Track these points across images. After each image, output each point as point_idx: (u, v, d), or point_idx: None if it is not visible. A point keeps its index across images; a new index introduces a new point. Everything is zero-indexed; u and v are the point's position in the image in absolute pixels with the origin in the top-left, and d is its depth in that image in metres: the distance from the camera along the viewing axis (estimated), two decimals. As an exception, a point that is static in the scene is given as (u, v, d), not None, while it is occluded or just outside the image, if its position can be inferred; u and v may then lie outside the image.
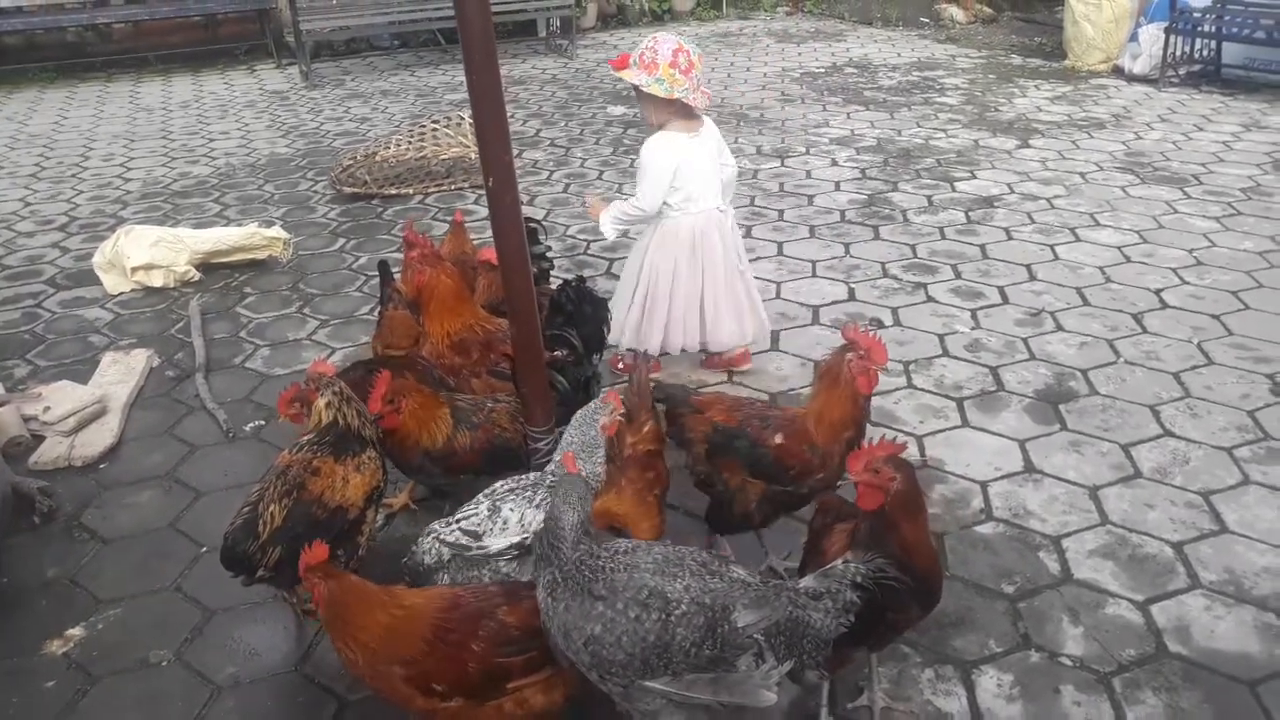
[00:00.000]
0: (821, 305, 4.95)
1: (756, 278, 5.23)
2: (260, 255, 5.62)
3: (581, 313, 3.47)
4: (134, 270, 5.32)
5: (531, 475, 2.87)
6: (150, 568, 3.25)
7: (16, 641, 2.95)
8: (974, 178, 6.80)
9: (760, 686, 2.12)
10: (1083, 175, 6.78)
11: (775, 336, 4.64)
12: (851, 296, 5.05)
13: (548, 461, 3.05)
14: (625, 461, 2.77)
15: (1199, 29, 8.90)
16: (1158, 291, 4.98)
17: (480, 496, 2.77)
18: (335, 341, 4.73)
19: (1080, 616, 2.92)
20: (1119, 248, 5.54)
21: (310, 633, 2.95)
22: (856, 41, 11.61)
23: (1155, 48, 9.06)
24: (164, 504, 3.58)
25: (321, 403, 2.87)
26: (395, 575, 2.90)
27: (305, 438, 2.86)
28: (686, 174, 3.95)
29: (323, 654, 2.87)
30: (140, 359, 4.53)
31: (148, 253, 5.33)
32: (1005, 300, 4.95)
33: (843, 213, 6.20)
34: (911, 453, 3.74)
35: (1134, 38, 9.44)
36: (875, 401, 3.94)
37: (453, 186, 6.81)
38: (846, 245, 5.68)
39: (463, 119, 7.00)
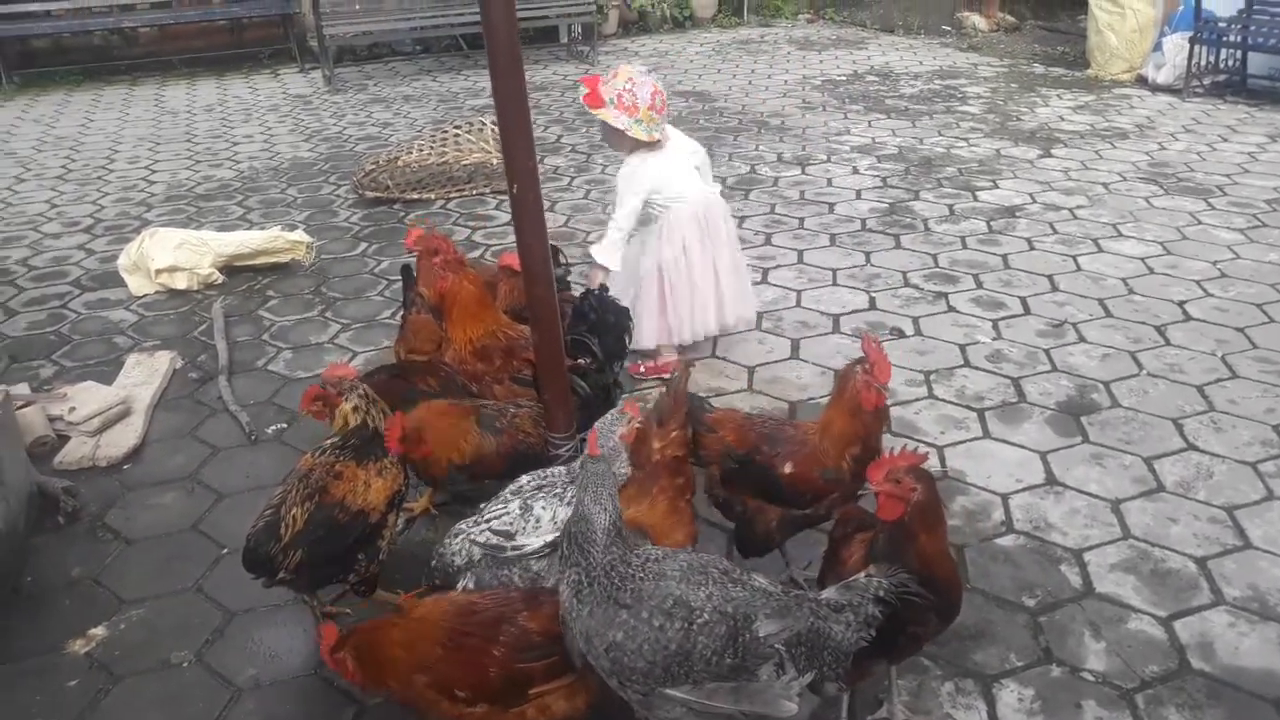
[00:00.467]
0: (842, 314, 4.94)
1: (776, 285, 5.27)
2: (283, 259, 5.66)
3: (604, 321, 3.49)
4: (158, 272, 5.36)
5: (558, 470, 2.86)
6: (172, 568, 3.28)
7: (41, 640, 2.98)
8: (996, 187, 6.77)
9: (781, 697, 2.11)
10: (1105, 185, 6.74)
11: (795, 345, 4.64)
12: (872, 305, 5.04)
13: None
14: (655, 468, 2.74)
15: (1224, 39, 8.85)
16: (1181, 303, 4.95)
17: (507, 494, 2.77)
18: (357, 345, 4.75)
19: (1102, 631, 2.91)
20: (1142, 259, 5.50)
21: (330, 636, 2.96)
22: (878, 49, 11.59)
23: (1179, 57, 9.01)
24: (186, 505, 3.61)
25: (348, 406, 2.88)
26: (415, 579, 2.93)
27: (328, 441, 2.88)
28: (669, 181, 4.15)
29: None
30: (164, 361, 4.56)
31: (172, 255, 5.38)
32: (1027, 311, 4.92)
33: (864, 221, 6.19)
34: (932, 463, 3.71)
35: (1158, 47, 9.37)
36: (896, 411, 3.98)
37: (474, 192, 6.83)
38: (867, 254, 5.67)
39: (484, 124, 7.03)
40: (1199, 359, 4.41)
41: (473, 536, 2.68)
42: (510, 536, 2.64)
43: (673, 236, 4.21)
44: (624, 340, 3.61)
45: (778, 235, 5.99)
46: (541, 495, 2.73)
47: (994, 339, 4.66)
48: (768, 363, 4.51)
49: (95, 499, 3.64)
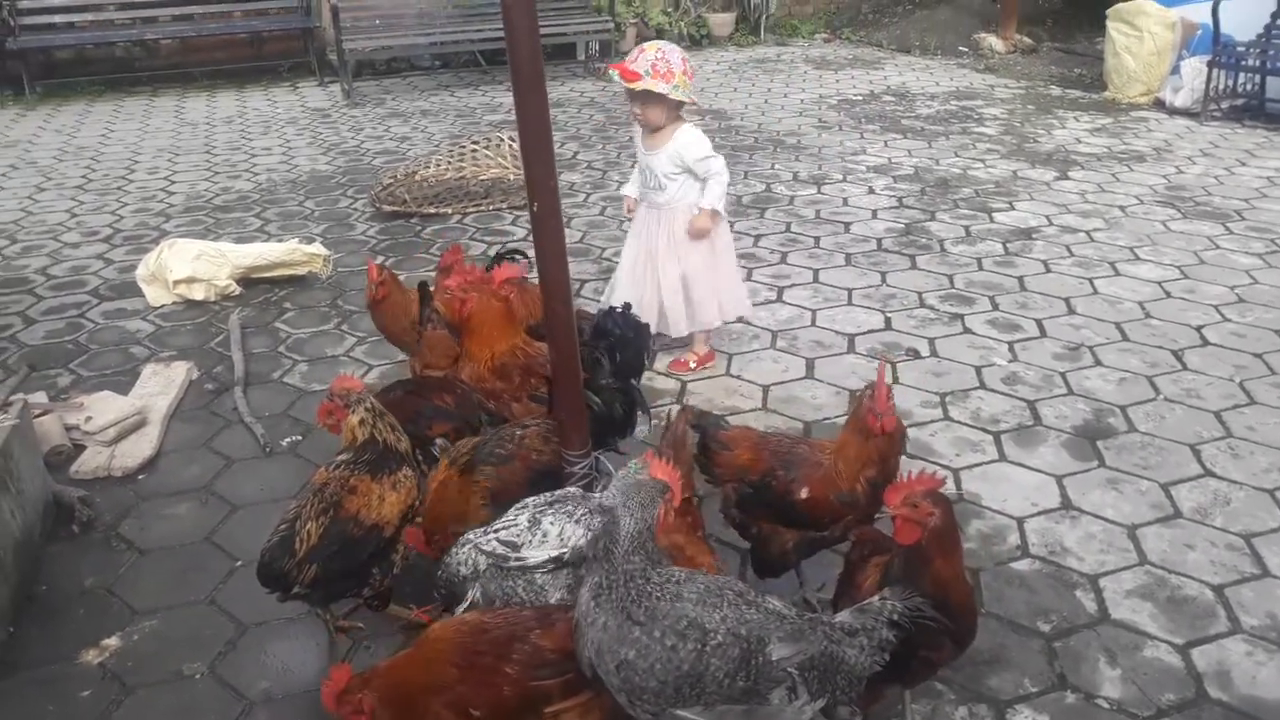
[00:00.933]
0: (857, 334, 4.94)
1: (792, 304, 5.28)
2: (300, 271, 5.69)
3: (625, 338, 3.49)
4: (176, 283, 5.39)
5: (573, 490, 2.86)
6: (186, 580, 3.28)
7: (54, 649, 2.99)
8: (1012, 209, 6.76)
9: (793, 721, 2.10)
10: (1123, 209, 6.73)
11: (810, 365, 4.63)
12: (888, 326, 5.03)
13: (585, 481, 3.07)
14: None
15: (1243, 63, 8.84)
16: (1199, 328, 4.93)
17: (518, 507, 2.77)
18: (372, 359, 4.76)
19: (1118, 658, 2.88)
20: (1159, 283, 5.48)
21: (342, 650, 2.96)
22: (894, 70, 11.61)
23: (1197, 81, 9.00)
24: (201, 516, 3.62)
25: (354, 420, 2.88)
26: (429, 593, 2.92)
27: (341, 456, 2.88)
28: None
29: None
30: (180, 371, 4.58)
31: (190, 266, 5.41)
32: (1043, 333, 4.91)
33: (879, 241, 6.19)
34: (948, 486, 3.70)
35: (1176, 70, 9.36)
36: (911, 433, 3.96)
37: (490, 207, 6.86)
38: (883, 274, 5.67)
39: (502, 140, 7.06)
40: (1217, 384, 4.39)
41: (480, 545, 2.67)
42: (515, 548, 2.63)
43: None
44: (643, 357, 3.61)
45: (793, 254, 5.99)
46: (551, 510, 2.72)
47: (1010, 361, 4.64)
48: (783, 381, 4.50)
49: (110, 509, 3.65)
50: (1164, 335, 4.87)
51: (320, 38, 11.61)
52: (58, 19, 10.72)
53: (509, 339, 3.58)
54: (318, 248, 5.81)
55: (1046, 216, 6.59)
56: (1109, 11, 9.79)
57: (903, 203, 6.91)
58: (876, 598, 2.16)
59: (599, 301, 5.24)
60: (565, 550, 2.61)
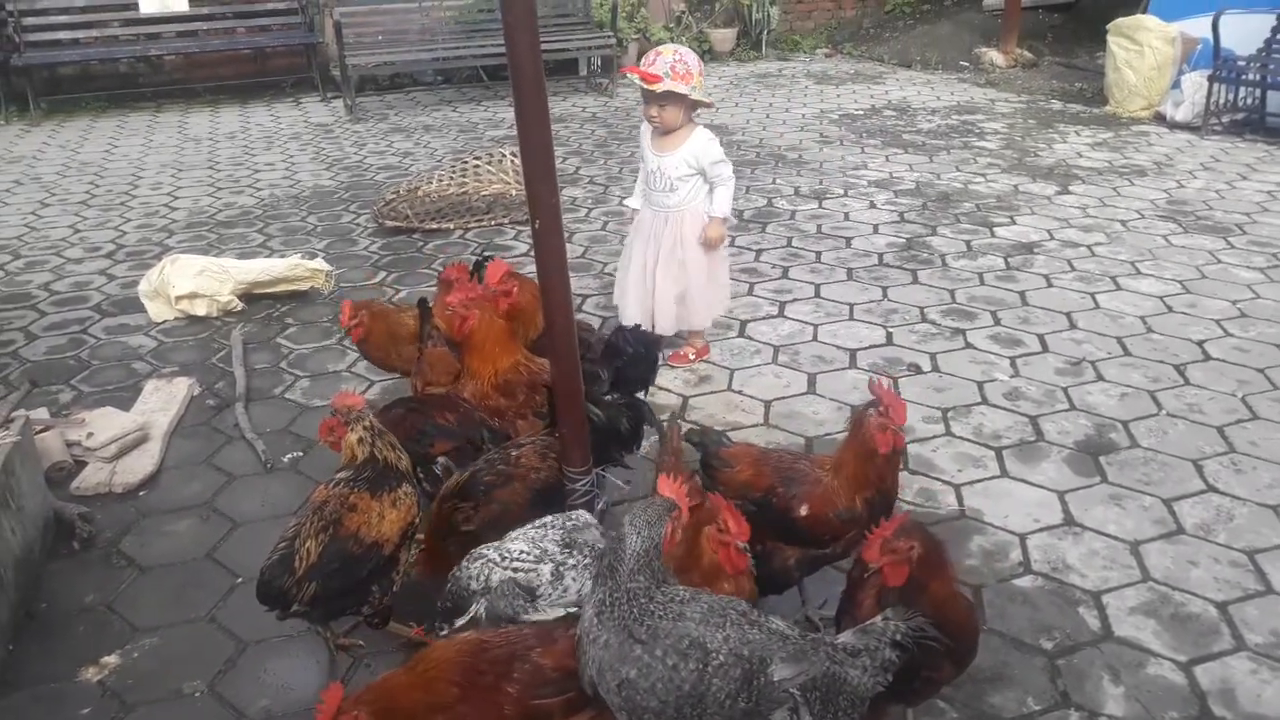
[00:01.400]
0: (859, 349, 4.93)
1: (793, 319, 5.28)
2: (303, 287, 5.70)
3: (638, 355, 3.54)
4: (178, 299, 5.40)
5: (591, 526, 2.84)
6: (186, 597, 3.28)
7: (54, 666, 2.98)
8: (1013, 223, 6.77)
9: (795, 741, 2.09)
10: (1124, 223, 6.73)
11: (812, 380, 4.63)
12: (889, 341, 5.03)
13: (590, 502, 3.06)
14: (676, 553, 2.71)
15: (1243, 77, 8.85)
16: (1201, 343, 4.92)
17: (536, 545, 2.71)
18: (374, 374, 4.76)
19: (1121, 676, 2.87)
20: (1161, 297, 5.48)
21: (343, 668, 2.95)
22: (896, 84, 11.64)
23: (1198, 95, 9.01)
24: (201, 533, 3.61)
25: (353, 438, 2.88)
26: (429, 610, 2.91)
27: (340, 474, 2.88)
28: None
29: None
30: (182, 387, 4.59)
31: (192, 282, 5.42)
32: (1045, 348, 4.90)
33: (881, 256, 6.19)
34: (949, 502, 3.70)
35: (1176, 85, 9.38)
36: (913, 449, 3.97)
37: (493, 222, 6.87)
38: (884, 289, 5.67)
39: (504, 155, 7.07)
40: (1219, 399, 4.38)
41: (494, 565, 2.65)
42: (533, 595, 2.61)
43: (697, 229, 4.59)
44: (653, 370, 3.64)
45: (795, 269, 5.99)
46: (573, 559, 2.67)
47: (1012, 376, 4.64)
48: (784, 397, 4.50)
49: (111, 525, 3.65)
50: (1166, 350, 4.86)
51: (323, 53, 11.65)
52: (62, 35, 10.77)
53: (511, 355, 3.58)
54: (320, 263, 5.82)
55: (1048, 231, 6.59)
56: (1109, 26, 9.81)
57: (904, 217, 6.91)
58: (879, 618, 2.16)
59: (601, 315, 5.25)
60: (575, 608, 2.58)
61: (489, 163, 7.04)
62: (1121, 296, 5.52)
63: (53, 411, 4.38)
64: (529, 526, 2.81)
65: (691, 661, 2.04)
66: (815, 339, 5.07)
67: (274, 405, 4.52)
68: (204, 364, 4.93)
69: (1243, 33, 8.92)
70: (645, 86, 4.28)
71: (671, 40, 12.67)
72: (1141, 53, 9.47)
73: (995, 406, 4.37)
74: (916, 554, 2.27)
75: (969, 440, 4.11)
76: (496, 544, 2.75)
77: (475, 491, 3.03)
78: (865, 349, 4.94)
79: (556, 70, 12.18)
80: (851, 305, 5.45)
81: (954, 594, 2.40)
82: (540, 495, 3.07)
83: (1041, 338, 5.02)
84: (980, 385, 4.56)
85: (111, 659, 3.01)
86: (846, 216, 6.96)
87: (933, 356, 4.84)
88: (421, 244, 6.58)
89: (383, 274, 6.06)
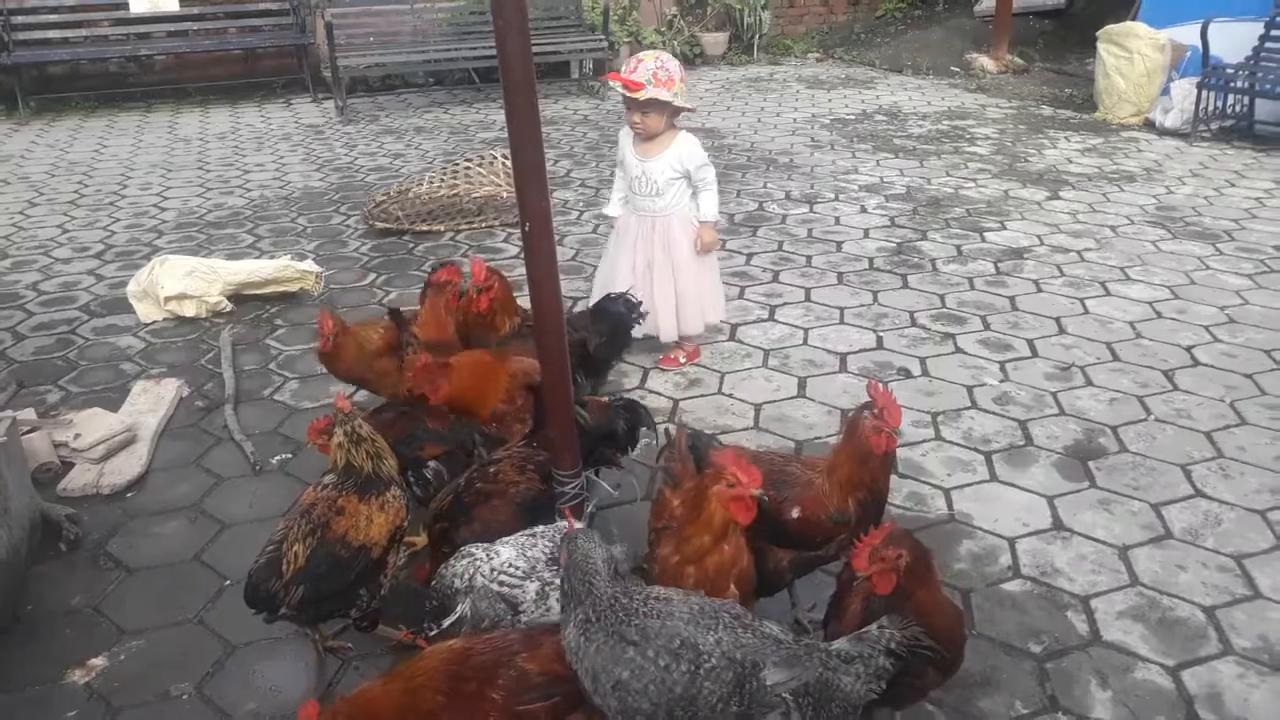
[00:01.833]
0: (849, 353, 4.94)
1: (784, 323, 5.28)
2: (292, 288, 5.68)
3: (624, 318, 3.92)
4: (167, 300, 5.38)
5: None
6: (173, 599, 3.26)
7: (40, 669, 2.96)
8: (1003, 228, 6.79)
9: (786, 746, 2.09)
10: (1113, 229, 6.75)
11: (802, 384, 4.63)
12: (879, 345, 5.04)
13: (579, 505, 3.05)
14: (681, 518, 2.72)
15: (1232, 84, 8.90)
16: (1189, 348, 4.94)
17: (530, 564, 2.69)
18: (363, 376, 4.74)
19: (1109, 680, 2.88)
20: (1150, 303, 5.50)
21: (331, 670, 2.94)
22: (887, 89, 11.67)
23: (1187, 102, 9.06)
24: (189, 535, 3.60)
25: (333, 442, 2.87)
26: (417, 614, 2.90)
27: (327, 477, 2.87)
28: None
29: (344, 692, 2.85)
30: (170, 388, 4.57)
31: (181, 283, 5.39)
32: (1034, 353, 4.92)
33: (871, 260, 6.20)
34: (938, 506, 3.71)
35: (1166, 91, 9.44)
36: (902, 453, 3.97)
37: (484, 224, 6.86)
38: (875, 293, 5.68)
39: (495, 157, 7.07)
40: (1207, 405, 4.40)
41: (479, 568, 2.64)
42: (516, 609, 2.60)
43: (688, 231, 4.64)
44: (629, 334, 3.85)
45: (785, 273, 6.00)
46: (557, 582, 2.66)
47: (1001, 381, 4.65)
48: (774, 400, 4.50)
49: (98, 527, 3.63)
50: (1155, 355, 4.88)
51: (314, 54, 11.63)
52: (52, 34, 10.73)
53: (497, 386, 3.51)
54: (310, 265, 5.80)
55: (1038, 236, 6.62)
56: (1099, 33, 9.85)
57: (894, 222, 6.93)
58: (874, 626, 2.16)
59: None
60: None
61: (480, 165, 7.04)
62: (1111, 302, 5.54)
63: (40, 412, 4.35)
64: (520, 534, 2.80)
65: (684, 663, 2.04)
66: (805, 343, 5.07)
67: (263, 407, 4.50)
68: (193, 365, 4.91)
69: (1231, 40, 8.99)
70: (628, 94, 4.28)
71: (663, 44, 12.71)
72: (1131, 59, 9.52)
73: (985, 411, 4.38)
74: (904, 563, 2.28)
75: (958, 444, 4.12)
76: (486, 544, 2.74)
77: (457, 513, 3.00)
78: (855, 353, 4.94)
79: (548, 73, 12.19)
80: (842, 309, 5.46)
81: (940, 601, 2.41)
82: (523, 509, 3.02)
83: (1031, 343, 5.03)
84: (970, 390, 4.57)
85: (98, 661, 2.99)
86: (837, 221, 6.97)
87: (922, 361, 4.85)
88: (412, 245, 6.57)
89: (373, 275, 6.04)
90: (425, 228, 6.76)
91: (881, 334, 5.15)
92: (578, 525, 2.52)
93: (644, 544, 2.80)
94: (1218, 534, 3.52)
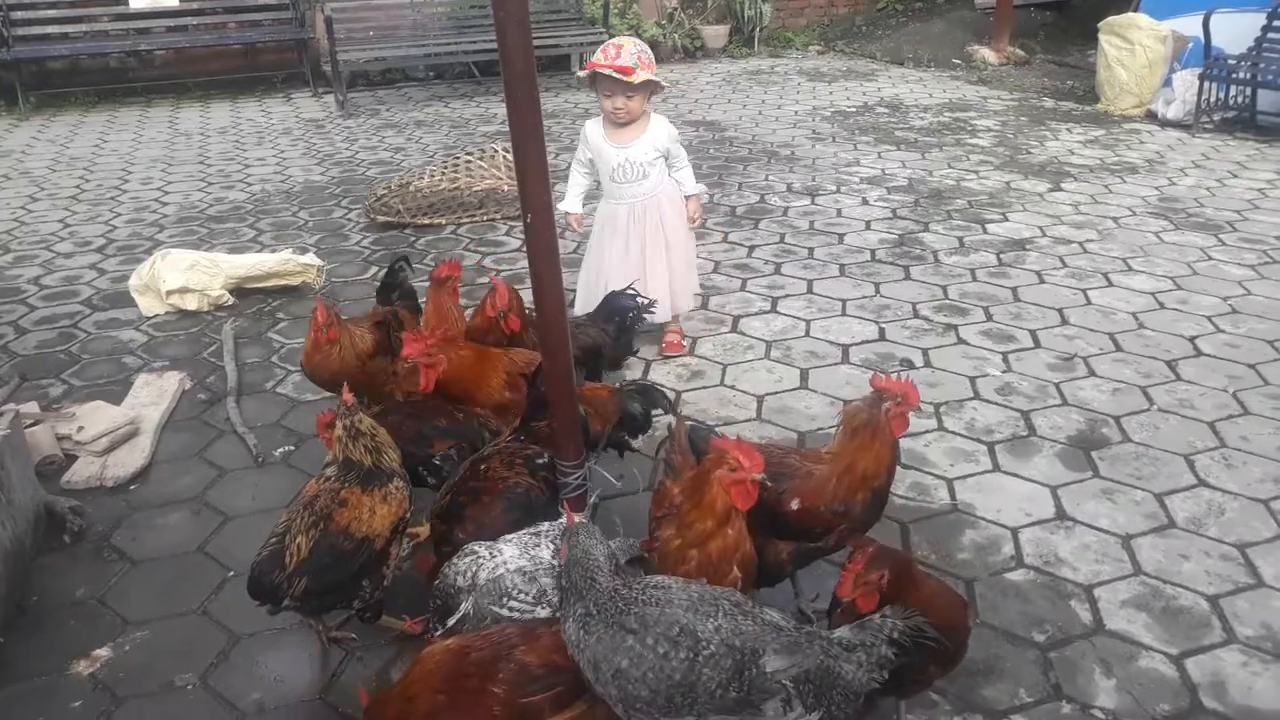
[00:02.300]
0: (851, 344, 4.94)
1: (786, 315, 5.28)
2: (294, 281, 5.68)
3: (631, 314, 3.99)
4: (169, 293, 5.38)
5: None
6: (177, 590, 3.26)
7: (45, 660, 2.97)
8: (1006, 220, 6.78)
9: (787, 732, 2.09)
10: (1115, 220, 6.75)
11: (804, 375, 4.63)
12: (882, 336, 5.03)
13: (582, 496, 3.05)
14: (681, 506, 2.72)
15: (1234, 75, 8.88)
16: (1192, 339, 4.94)
17: (540, 590, 2.63)
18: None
19: (1113, 668, 2.88)
20: (1152, 294, 5.50)
21: (335, 660, 2.95)
22: (888, 81, 11.65)
23: (1189, 93, 9.04)
24: (192, 527, 3.60)
25: (333, 435, 2.87)
26: (420, 604, 2.90)
27: (329, 469, 2.87)
28: None
29: (347, 682, 2.86)
30: (173, 381, 4.57)
31: (183, 276, 5.40)
32: (1037, 344, 4.91)
33: (873, 252, 6.20)
34: (941, 496, 3.71)
35: (1168, 83, 9.42)
36: (905, 444, 3.96)
37: (485, 218, 6.86)
38: (877, 285, 5.68)
39: (496, 150, 7.06)
40: (1210, 395, 4.40)
41: (482, 566, 2.64)
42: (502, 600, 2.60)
43: (675, 204, 4.72)
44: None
45: (787, 265, 6.00)
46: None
47: (1004, 372, 4.65)
48: (776, 392, 4.50)
49: (102, 519, 3.63)
50: (1157, 346, 4.88)
51: (314, 49, 11.61)
52: (51, 30, 10.72)
53: (497, 369, 3.49)
54: (311, 258, 5.80)
55: (1039, 228, 6.61)
56: (1101, 24, 9.83)
57: (896, 214, 6.92)
58: (878, 615, 2.16)
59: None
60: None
61: (481, 158, 7.04)
62: (1113, 293, 5.53)
63: (43, 405, 4.36)
64: (524, 533, 2.75)
65: (682, 650, 2.04)
66: (808, 334, 5.07)
67: (265, 399, 4.50)
68: (195, 358, 4.91)
69: (1233, 31, 8.96)
70: (622, 79, 4.26)
71: (664, 36, 12.71)
72: (1133, 51, 9.50)
73: (987, 402, 4.38)
74: (885, 582, 2.32)
75: (961, 435, 4.12)
76: (490, 544, 2.72)
77: (452, 513, 2.98)
78: (858, 344, 4.94)
79: (549, 66, 12.17)
80: (844, 301, 5.46)
81: (928, 596, 2.42)
82: (516, 504, 2.97)
83: (1033, 333, 5.03)
84: (972, 380, 4.57)
85: (103, 652, 3.00)
86: (839, 213, 6.96)
87: (925, 352, 4.85)
88: (413, 239, 6.56)
89: (374, 269, 6.04)
90: (426, 221, 6.76)
91: (884, 325, 5.15)
92: (578, 519, 2.51)
93: (646, 534, 2.80)
94: (1221, 523, 3.52)
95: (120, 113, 10.75)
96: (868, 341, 4.98)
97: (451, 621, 2.64)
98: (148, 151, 9.06)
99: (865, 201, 7.21)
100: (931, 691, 2.73)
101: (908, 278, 5.79)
